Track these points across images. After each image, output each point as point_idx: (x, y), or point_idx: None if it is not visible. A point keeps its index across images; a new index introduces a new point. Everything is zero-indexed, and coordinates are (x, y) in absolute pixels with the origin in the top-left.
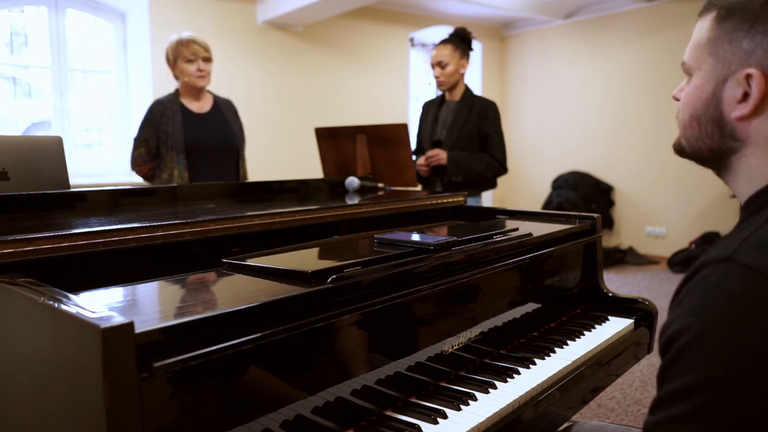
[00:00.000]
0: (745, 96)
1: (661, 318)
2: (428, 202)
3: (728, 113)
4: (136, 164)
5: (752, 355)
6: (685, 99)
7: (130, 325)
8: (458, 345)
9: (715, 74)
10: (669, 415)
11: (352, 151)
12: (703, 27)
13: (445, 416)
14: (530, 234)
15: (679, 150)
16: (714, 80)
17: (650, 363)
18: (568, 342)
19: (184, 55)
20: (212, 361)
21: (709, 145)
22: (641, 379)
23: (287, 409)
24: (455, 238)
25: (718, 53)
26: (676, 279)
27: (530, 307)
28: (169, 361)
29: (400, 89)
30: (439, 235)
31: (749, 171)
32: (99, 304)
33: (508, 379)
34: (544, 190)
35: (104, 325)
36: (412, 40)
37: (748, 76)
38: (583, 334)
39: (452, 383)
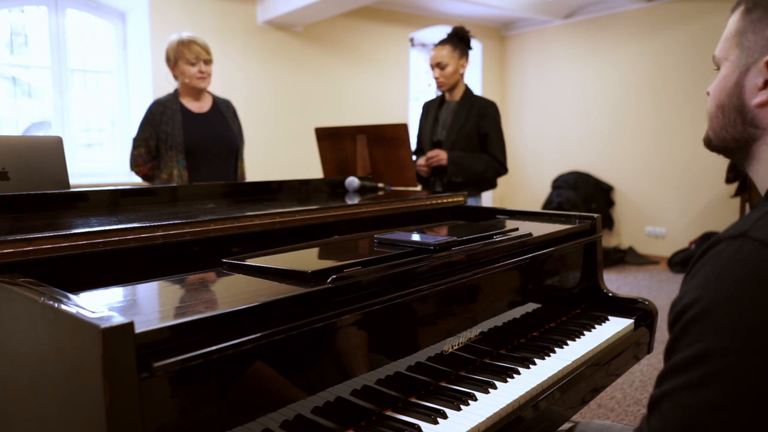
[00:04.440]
0: (766, 83)
1: (662, 318)
2: (428, 202)
3: (749, 101)
4: (136, 164)
5: (762, 329)
6: (713, 90)
7: (130, 325)
8: (458, 345)
9: (740, 64)
10: (675, 384)
11: (352, 151)
12: (732, 20)
13: (445, 416)
14: (530, 234)
15: (707, 143)
16: (738, 70)
17: (650, 363)
18: (568, 342)
19: (185, 56)
20: (212, 361)
21: (732, 134)
22: (641, 379)
23: (287, 409)
24: (455, 238)
25: (742, 43)
26: (676, 279)
27: (530, 307)
28: (169, 361)
29: (400, 89)
30: (439, 235)
31: None
32: (99, 304)
33: (508, 379)
34: (544, 190)
35: (104, 325)
36: (412, 40)
37: None
38: (583, 334)
39: (452, 383)
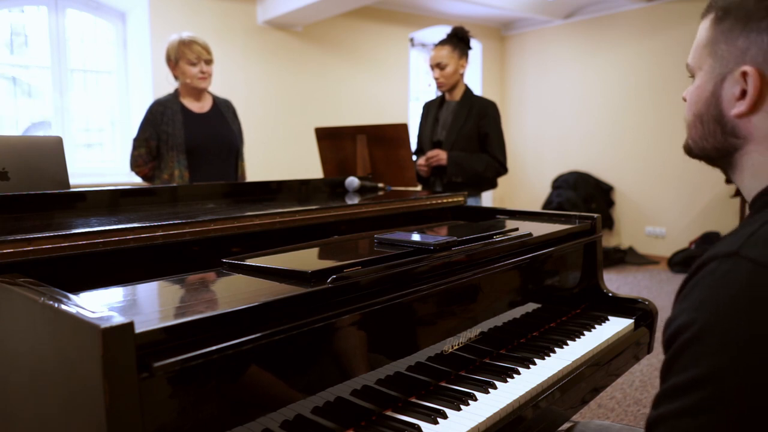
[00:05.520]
0: (743, 93)
1: (662, 318)
2: (428, 202)
3: (728, 111)
4: (137, 164)
5: (758, 350)
6: (689, 99)
7: (130, 325)
8: (458, 345)
9: (714, 73)
10: (673, 409)
11: (352, 151)
12: (703, 28)
13: (445, 416)
14: (530, 234)
15: (688, 150)
16: (713, 79)
17: (650, 363)
18: (568, 342)
19: (187, 57)
20: (212, 361)
21: (713, 143)
22: (641, 379)
23: (287, 409)
24: (455, 238)
25: (716, 53)
26: (676, 279)
27: (530, 307)
28: (169, 361)
29: (400, 89)
30: (439, 235)
31: (754, 168)
32: (99, 304)
33: (508, 379)
34: (544, 190)
35: (104, 325)
36: (412, 40)
37: (744, 74)
38: (583, 334)
39: (452, 383)
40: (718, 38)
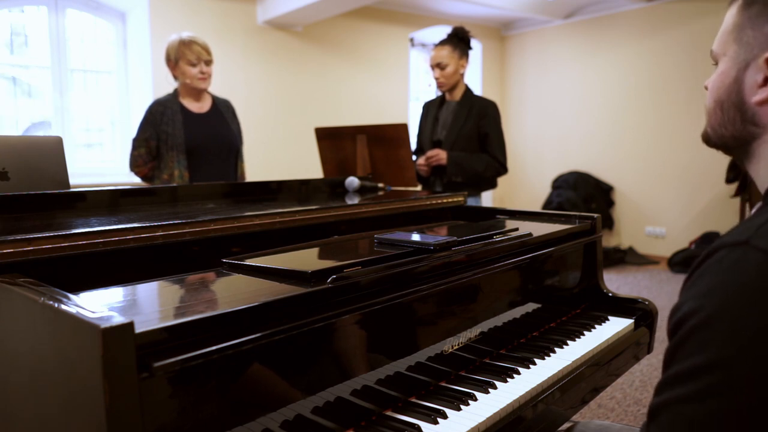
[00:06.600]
0: (766, 81)
1: (662, 318)
2: (428, 202)
3: (749, 98)
4: (136, 164)
5: (764, 339)
6: (711, 86)
7: (130, 325)
8: (458, 345)
9: (738, 60)
10: (675, 395)
11: (352, 151)
12: (730, 14)
13: (445, 416)
14: (530, 234)
15: (706, 139)
16: (737, 66)
17: (650, 363)
18: (568, 342)
19: (187, 57)
20: (212, 361)
21: (732, 131)
22: (641, 379)
23: (287, 409)
24: (455, 238)
25: (741, 39)
26: (676, 279)
27: (530, 307)
28: (169, 361)
29: (400, 89)
30: (439, 235)
31: None
32: (99, 304)
33: (508, 379)
34: (544, 190)
35: (104, 325)
36: (412, 40)
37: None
38: (583, 334)
39: (452, 383)
40: (744, 24)
